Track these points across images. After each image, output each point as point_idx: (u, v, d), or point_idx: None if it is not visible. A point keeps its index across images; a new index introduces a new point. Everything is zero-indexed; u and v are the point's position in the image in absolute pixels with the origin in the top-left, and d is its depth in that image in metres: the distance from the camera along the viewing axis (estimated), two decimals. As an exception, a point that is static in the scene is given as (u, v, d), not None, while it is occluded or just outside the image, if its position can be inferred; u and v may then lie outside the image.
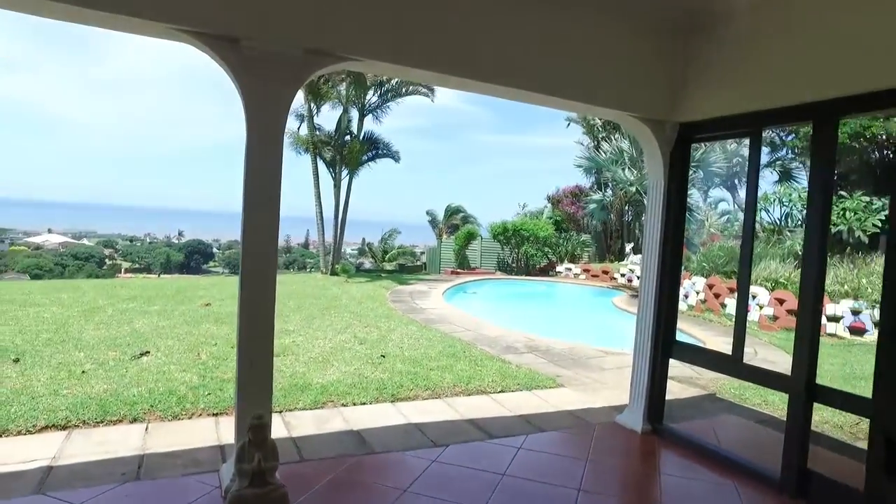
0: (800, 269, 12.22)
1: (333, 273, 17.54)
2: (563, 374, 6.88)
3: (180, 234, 64.97)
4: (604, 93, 4.48)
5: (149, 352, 6.50)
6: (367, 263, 24.03)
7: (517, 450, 4.38)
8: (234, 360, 3.47)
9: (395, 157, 19.26)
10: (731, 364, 4.25)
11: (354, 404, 5.29)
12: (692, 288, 13.33)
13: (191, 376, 5.67)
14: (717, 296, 12.77)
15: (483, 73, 3.93)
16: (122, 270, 42.44)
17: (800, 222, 15.56)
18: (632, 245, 20.40)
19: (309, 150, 17.51)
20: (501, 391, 5.97)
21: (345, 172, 18.18)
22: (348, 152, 17.59)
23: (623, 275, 17.94)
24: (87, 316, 8.46)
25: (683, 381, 6.69)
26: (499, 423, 5.05)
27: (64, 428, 4.37)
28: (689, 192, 5.06)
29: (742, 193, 22.52)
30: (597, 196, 22.31)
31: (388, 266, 22.47)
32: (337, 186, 18.14)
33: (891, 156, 16.47)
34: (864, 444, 3.68)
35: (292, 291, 12.75)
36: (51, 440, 4.15)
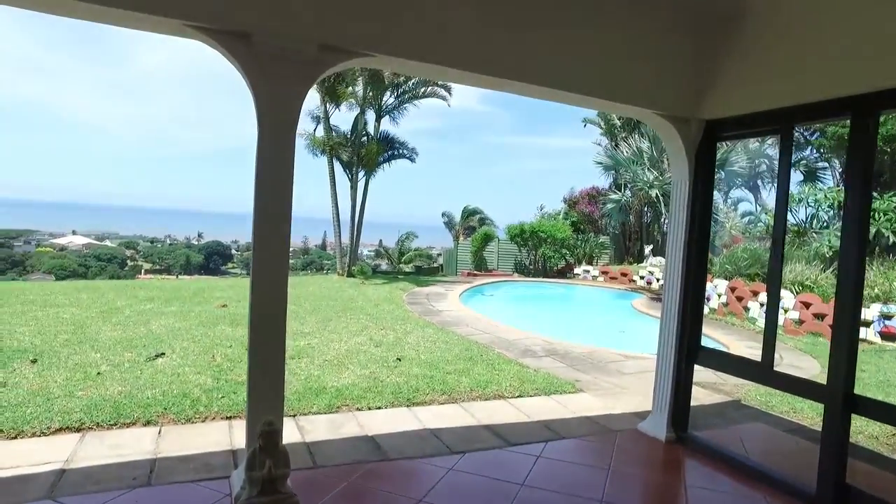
0: (827, 272, 11.95)
1: (350, 275, 17.51)
2: (582, 378, 6.72)
3: (199, 235, 65.74)
4: (627, 90, 4.33)
5: (164, 353, 6.48)
6: (384, 265, 24.01)
7: (536, 458, 4.24)
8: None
9: (411, 157, 19.19)
10: (761, 371, 4.07)
11: (369, 408, 5.19)
12: (714, 291, 13.03)
13: (205, 378, 5.63)
14: (739, 299, 12.47)
15: (502, 69, 3.81)
16: (143, 271, 43.04)
17: (825, 224, 15.14)
18: (651, 247, 20.10)
19: (325, 151, 17.52)
20: (519, 396, 5.83)
21: (361, 174, 18.16)
22: (365, 153, 17.55)
23: (642, 277, 17.66)
24: (104, 317, 8.50)
25: (707, 386, 6.49)
26: (517, 429, 4.91)
27: (78, 430, 4.34)
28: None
29: (765, 194, 22.09)
30: (615, 197, 22.01)
31: (405, 268, 22.43)
32: (353, 188, 18.12)
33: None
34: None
35: (308, 293, 12.73)
36: (64, 442, 4.12)
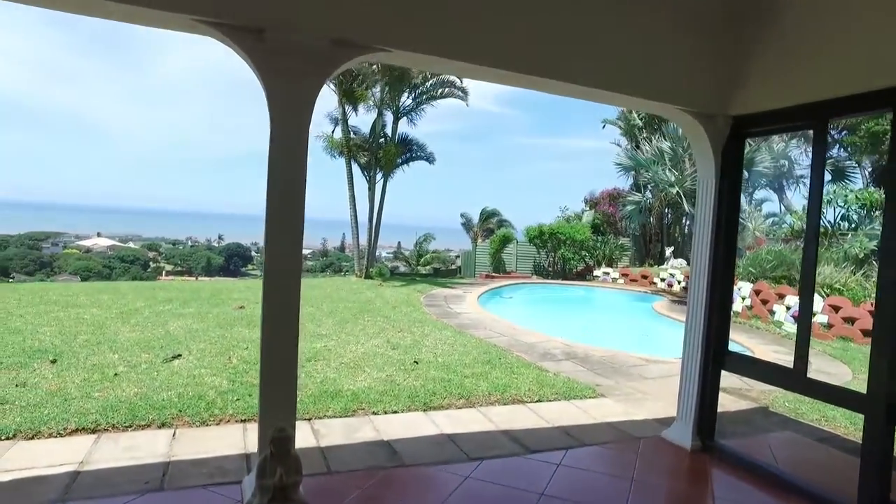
0: (857, 275, 11.55)
1: (368, 276, 17.48)
2: (603, 383, 6.56)
3: (220, 237, 66.51)
4: (652, 85, 4.17)
5: (180, 355, 6.47)
6: (402, 267, 23.96)
7: (556, 466, 4.10)
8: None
9: (429, 158, 19.11)
10: (794, 378, 3.88)
11: (385, 412, 5.10)
12: (738, 293, 12.72)
13: (220, 380, 5.59)
14: (764, 302, 12.15)
15: (525, 65, 3.68)
16: (164, 273, 43.66)
17: (854, 225, 14.70)
18: (672, 249, 19.75)
19: (343, 153, 17.53)
20: (538, 401, 5.70)
21: (379, 175, 18.13)
22: (383, 155, 17.52)
23: (663, 279, 17.33)
24: (124, 318, 8.55)
25: (732, 392, 6.27)
26: (536, 434, 4.78)
27: (93, 431, 4.33)
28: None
29: (789, 195, 21.59)
30: (635, 198, 21.67)
31: (423, 270, 22.35)
32: (371, 190, 18.10)
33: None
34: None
35: (326, 295, 12.71)
36: (80, 444, 4.12)
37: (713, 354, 4.49)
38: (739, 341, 9.64)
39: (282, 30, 2.92)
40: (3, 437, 4.14)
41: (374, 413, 5.07)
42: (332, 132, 17.90)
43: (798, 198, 21.39)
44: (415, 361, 6.85)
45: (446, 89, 17.87)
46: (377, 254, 21.08)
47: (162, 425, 4.49)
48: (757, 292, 12.39)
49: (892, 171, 3.42)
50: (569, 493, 3.71)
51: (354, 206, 18.02)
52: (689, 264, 18.13)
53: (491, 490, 3.72)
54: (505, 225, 27.47)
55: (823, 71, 3.71)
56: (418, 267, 22.82)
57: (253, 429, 4.47)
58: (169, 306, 9.81)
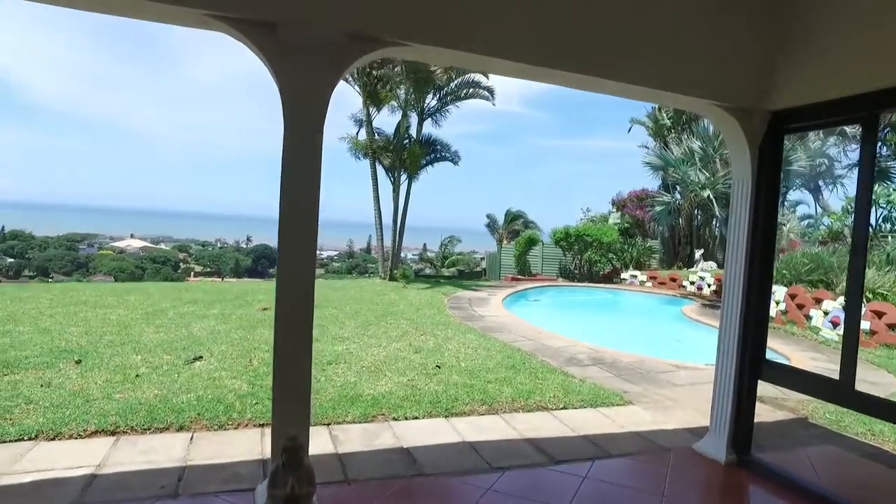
0: (901, 279, 10.99)
1: (392, 278, 17.44)
2: (631, 389, 6.33)
3: (248, 239, 67.49)
4: (683, 79, 3.96)
5: (202, 357, 6.46)
6: (427, 269, 23.90)
7: (582, 479, 3.91)
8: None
9: (454, 159, 18.99)
10: (841, 392, 3.61)
11: (406, 418, 4.98)
12: (772, 297, 12.26)
13: (240, 384, 5.55)
14: (800, 306, 11.68)
15: (552, 59, 3.51)
16: (192, 274, 44.46)
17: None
18: (702, 251, 19.25)
19: (368, 155, 17.52)
20: (564, 408, 5.51)
21: (403, 177, 18.08)
22: (408, 156, 17.45)
23: (693, 283, 16.88)
24: (149, 319, 8.62)
25: (767, 401, 5.97)
26: (561, 444, 4.60)
27: (112, 433, 4.31)
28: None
29: (827, 195, 20.85)
30: (664, 199, 21.18)
31: (447, 272, 22.23)
32: (395, 191, 18.06)
33: None
34: None
35: (349, 297, 12.68)
36: (98, 446, 4.10)
37: (749, 363, 4.25)
38: (774, 347, 9.27)
39: (294, 24, 2.82)
40: (25, 438, 4.15)
41: (394, 419, 4.95)
42: (357, 134, 17.93)
43: (835, 199, 20.67)
44: (437, 366, 6.72)
45: (471, 90, 17.74)
46: (402, 255, 21.04)
47: (180, 428, 4.45)
48: (792, 296, 11.93)
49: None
50: (595, 508, 3.53)
51: (379, 207, 18.01)
52: (719, 267, 17.69)
53: None
54: (530, 227, 27.22)
55: (874, 59, 3.45)
56: (443, 269, 22.72)
57: (270, 434, 4.40)
58: (193, 307, 9.88)
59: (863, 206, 3.58)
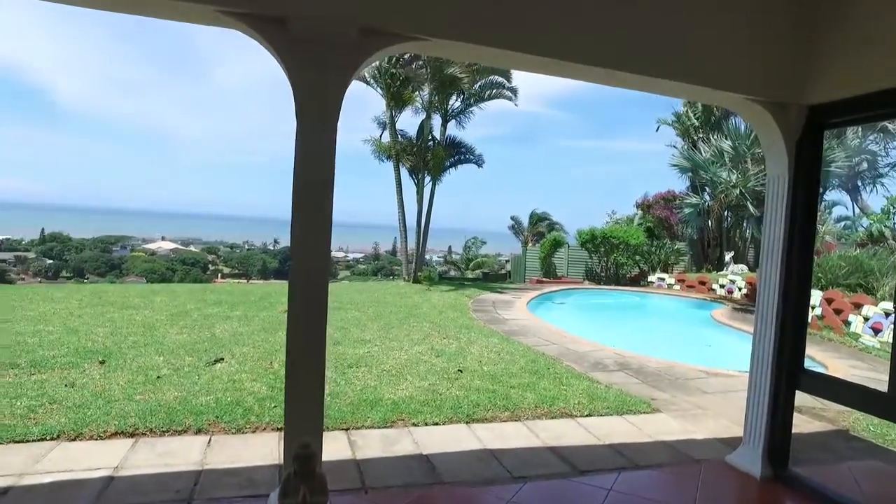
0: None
1: (416, 281, 17.38)
2: (658, 396, 6.11)
3: (276, 241, 68.28)
4: (715, 72, 3.77)
5: (223, 358, 6.46)
6: (452, 271, 23.80)
7: (608, 492, 3.74)
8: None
9: (478, 161, 18.85)
10: (890, 405, 3.37)
11: (426, 424, 4.87)
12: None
13: (260, 386, 5.52)
14: (838, 311, 11.22)
15: (579, 54, 3.36)
16: (219, 276, 45.17)
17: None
18: (732, 254, 18.75)
19: (391, 157, 17.50)
20: (588, 415, 5.34)
21: (427, 179, 18.01)
22: (432, 158, 17.37)
23: (722, 286, 16.41)
24: (173, 320, 8.70)
25: (805, 411, 5.70)
26: (585, 453, 4.43)
27: (132, 435, 4.31)
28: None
29: (865, 196, 20.11)
30: (693, 200, 20.68)
31: (472, 274, 22.10)
32: (419, 193, 18.00)
33: None
34: None
35: (373, 299, 12.65)
36: (117, 447, 4.11)
37: (786, 373, 4.03)
38: (811, 354, 8.87)
39: (304, 18, 2.73)
40: (48, 438, 4.17)
41: (413, 424, 4.85)
42: (381, 136, 17.94)
43: (875, 199, 19.91)
44: (459, 370, 6.60)
45: (495, 90, 17.59)
46: (426, 258, 20.98)
47: (198, 431, 4.42)
48: (829, 300, 11.47)
49: None
50: (621, 522, 3.37)
51: (403, 209, 17.97)
52: (750, 270, 17.17)
53: (535, 516, 3.43)
54: (556, 228, 26.89)
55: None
56: (467, 271, 22.59)
57: (288, 438, 4.34)
58: (218, 309, 9.95)
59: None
